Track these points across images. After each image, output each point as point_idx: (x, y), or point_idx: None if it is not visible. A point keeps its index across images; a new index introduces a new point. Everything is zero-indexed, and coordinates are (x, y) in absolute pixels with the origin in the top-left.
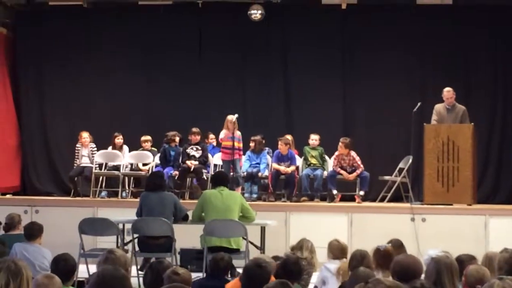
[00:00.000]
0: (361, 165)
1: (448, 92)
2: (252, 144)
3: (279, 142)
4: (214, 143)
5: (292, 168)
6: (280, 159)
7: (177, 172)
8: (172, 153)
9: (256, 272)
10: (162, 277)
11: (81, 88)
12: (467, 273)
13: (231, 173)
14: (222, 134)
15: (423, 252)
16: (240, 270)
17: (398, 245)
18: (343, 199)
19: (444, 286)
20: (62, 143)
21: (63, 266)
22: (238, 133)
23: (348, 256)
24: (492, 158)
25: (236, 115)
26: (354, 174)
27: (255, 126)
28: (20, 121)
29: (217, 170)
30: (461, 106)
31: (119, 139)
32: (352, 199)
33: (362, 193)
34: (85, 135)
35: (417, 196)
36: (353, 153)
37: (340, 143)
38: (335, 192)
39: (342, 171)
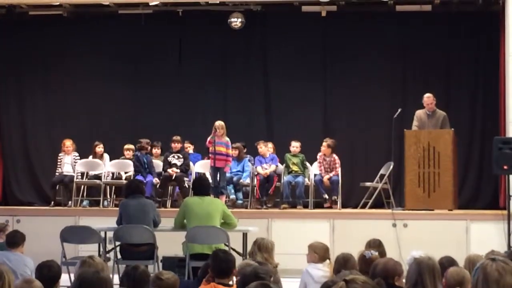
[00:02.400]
0: (338, 170)
1: (428, 98)
2: (236, 152)
3: (259, 146)
4: (191, 151)
5: (273, 167)
6: (262, 162)
7: (158, 180)
8: (145, 160)
9: (222, 257)
10: (139, 283)
11: (62, 97)
12: (447, 275)
13: (218, 181)
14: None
15: (404, 257)
16: None
17: (377, 244)
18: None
19: (426, 287)
20: (43, 153)
21: (47, 272)
22: (226, 139)
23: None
24: (472, 163)
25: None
26: (328, 176)
27: (236, 134)
28: (0, 131)
29: (197, 176)
30: (441, 111)
31: (99, 148)
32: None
33: (333, 198)
34: (68, 143)
35: (398, 202)
36: (335, 156)
37: (324, 143)
38: (326, 196)
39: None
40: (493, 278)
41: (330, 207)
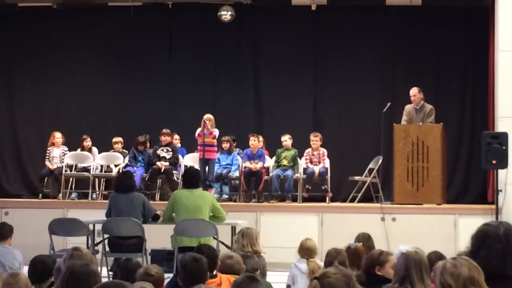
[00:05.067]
0: (325, 162)
1: (412, 91)
2: (227, 145)
3: (250, 139)
4: (179, 144)
5: (260, 164)
6: (250, 157)
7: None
8: (140, 157)
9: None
10: (131, 275)
11: (51, 90)
12: (435, 269)
13: (206, 174)
14: (197, 131)
15: (393, 251)
16: None
17: (365, 238)
18: (313, 199)
19: (413, 281)
20: (32, 145)
21: (41, 268)
22: (216, 131)
23: (320, 255)
24: (461, 158)
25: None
26: (318, 168)
27: (225, 127)
28: None
29: (189, 168)
30: (429, 105)
31: (87, 142)
32: (321, 199)
33: (323, 187)
34: (58, 135)
35: (387, 196)
36: (324, 149)
37: (314, 138)
38: (308, 187)
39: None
40: (448, 270)
41: (308, 199)
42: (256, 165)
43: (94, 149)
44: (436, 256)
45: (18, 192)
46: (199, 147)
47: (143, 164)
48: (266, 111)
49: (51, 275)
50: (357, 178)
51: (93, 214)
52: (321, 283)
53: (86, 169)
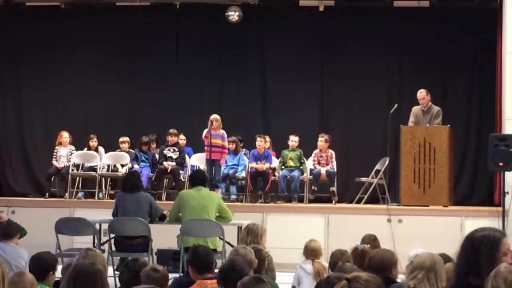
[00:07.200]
0: (333, 164)
1: (420, 93)
2: (233, 145)
3: (257, 140)
4: (184, 143)
5: (267, 165)
6: (257, 158)
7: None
8: (143, 158)
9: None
10: (138, 275)
11: (58, 89)
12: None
13: (213, 174)
14: (204, 132)
15: (399, 252)
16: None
17: (371, 239)
18: (319, 200)
19: (438, 274)
20: (39, 144)
21: (40, 264)
22: (221, 131)
23: (325, 256)
24: (468, 160)
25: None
26: (324, 169)
27: (232, 127)
28: None
29: (195, 169)
30: (436, 107)
31: (93, 142)
32: (328, 200)
33: (331, 189)
34: (66, 135)
35: (393, 198)
36: (331, 151)
37: (320, 138)
38: (314, 188)
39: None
40: (502, 275)
41: (313, 200)
42: (263, 165)
43: (101, 149)
44: (444, 259)
45: (24, 191)
46: (206, 148)
47: (148, 164)
48: (273, 112)
49: (51, 270)
50: (363, 179)
51: (99, 214)
52: (349, 286)
53: (93, 169)
